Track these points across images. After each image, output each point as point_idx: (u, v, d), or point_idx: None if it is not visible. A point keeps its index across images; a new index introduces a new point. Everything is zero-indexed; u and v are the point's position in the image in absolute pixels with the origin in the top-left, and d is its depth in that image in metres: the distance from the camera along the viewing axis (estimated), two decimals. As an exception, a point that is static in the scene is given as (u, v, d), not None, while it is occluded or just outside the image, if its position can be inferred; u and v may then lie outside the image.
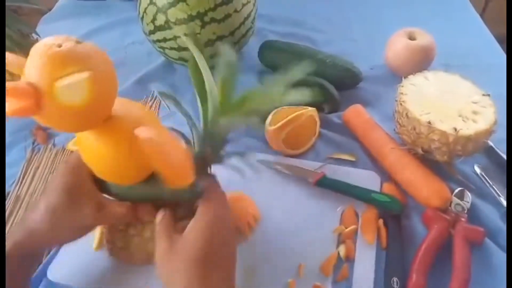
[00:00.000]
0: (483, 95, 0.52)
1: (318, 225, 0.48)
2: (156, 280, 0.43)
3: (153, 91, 0.73)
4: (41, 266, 0.47)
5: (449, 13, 0.85)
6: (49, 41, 0.28)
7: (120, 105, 0.32)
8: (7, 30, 0.62)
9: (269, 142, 0.58)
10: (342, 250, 0.46)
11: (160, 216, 0.37)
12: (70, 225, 0.37)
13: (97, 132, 0.32)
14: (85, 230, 0.39)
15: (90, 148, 0.33)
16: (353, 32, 0.82)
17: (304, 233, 0.48)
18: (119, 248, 0.43)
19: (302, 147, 0.58)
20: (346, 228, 0.47)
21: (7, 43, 0.61)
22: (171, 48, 0.68)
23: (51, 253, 0.47)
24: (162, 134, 0.31)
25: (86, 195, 0.37)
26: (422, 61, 0.66)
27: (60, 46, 0.27)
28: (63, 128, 0.30)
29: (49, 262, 0.47)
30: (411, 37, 0.67)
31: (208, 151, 0.38)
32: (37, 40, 0.70)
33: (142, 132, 0.29)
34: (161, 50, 0.70)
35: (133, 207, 0.38)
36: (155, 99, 0.72)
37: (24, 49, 0.64)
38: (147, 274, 0.44)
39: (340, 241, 0.47)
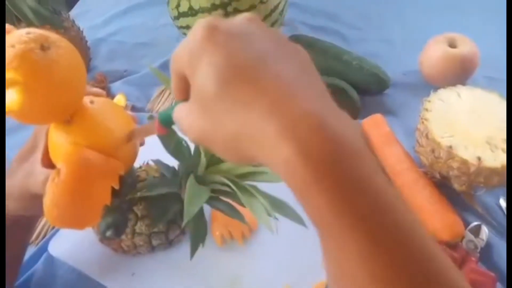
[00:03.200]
0: (522, 120, 0.46)
1: (315, 246, 0.45)
2: (144, 269, 0.44)
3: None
4: (44, 239, 0.48)
5: (503, 21, 0.75)
6: (15, 37, 0.27)
7: (99, 108, 0.31)
8: (37, 6, 0.64)
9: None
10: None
11: None
12: (21, 191, 0.36)
13: (56, 126, 0.32)
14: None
15: (51, 137, 0.33)
16: (390, 32, 0.75)
17: (299, 253, 0.45)
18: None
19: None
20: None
21: (35, 19, 0.62)
22: (194, 36, 0.66)
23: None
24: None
25: (28, 162, 0.36)
26: (461, 72, 0.59)
27: (13, 46, 0.26)
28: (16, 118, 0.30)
29: (52, 236, 0.48)
30: (452, 44, 0.60)
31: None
32: (67, 18, 0.71)
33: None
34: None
35: None
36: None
37: (55, 26, 0.65)
38: (136, 261, 0.44)
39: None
